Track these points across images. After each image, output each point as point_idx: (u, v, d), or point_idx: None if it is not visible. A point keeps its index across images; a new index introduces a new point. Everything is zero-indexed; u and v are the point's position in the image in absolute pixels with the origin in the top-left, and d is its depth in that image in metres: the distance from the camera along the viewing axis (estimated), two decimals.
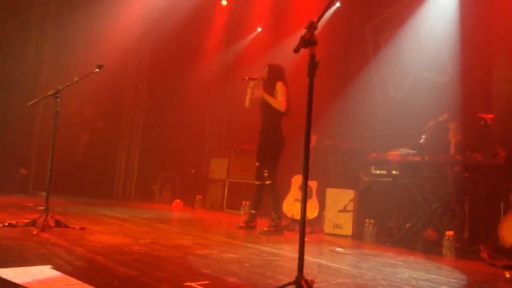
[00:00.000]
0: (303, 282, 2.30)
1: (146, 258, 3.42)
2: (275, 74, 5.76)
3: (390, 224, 5.56)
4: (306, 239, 5.17)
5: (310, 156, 6.19)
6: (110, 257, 3.28)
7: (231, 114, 10.36)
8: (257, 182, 5.76)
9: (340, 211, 5.74)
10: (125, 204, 8.32)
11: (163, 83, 10.02)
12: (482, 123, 4.65)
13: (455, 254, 4.51)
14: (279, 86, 5.65)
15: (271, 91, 5.69)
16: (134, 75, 10.33)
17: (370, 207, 5.83)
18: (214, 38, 10.53)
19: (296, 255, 2.41)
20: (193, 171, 9.02)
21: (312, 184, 6.32)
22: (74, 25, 8.43)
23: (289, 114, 5.69)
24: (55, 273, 2.68)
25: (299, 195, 6.08)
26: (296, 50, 2.69)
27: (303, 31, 2.64)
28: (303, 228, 2.50)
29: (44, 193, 4.51)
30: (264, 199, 6.01)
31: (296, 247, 2.42)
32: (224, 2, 10.25)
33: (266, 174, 5.61)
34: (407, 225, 5.20)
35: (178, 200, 8.81)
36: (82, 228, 4.49)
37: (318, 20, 2.72)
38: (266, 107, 5.70)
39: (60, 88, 4.45)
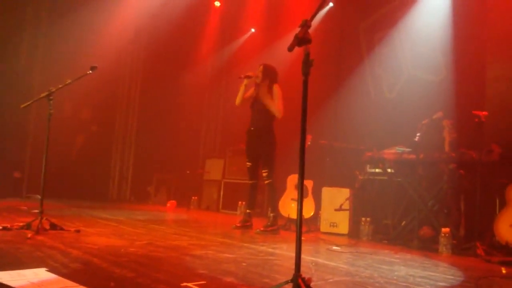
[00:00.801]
0: (300, 281, 2.29)
1: (142, 259, 3.40)
2: (270, 75, 5.75)
3: (386, 222, 5.57)
4: (302, 238, 5.18)
5: (306, 155, 6.22)
6: (106, 258, 3.26)
7: (226, 115, 10.36)
8: (251, 181, 5.78)
9: (336, 210, 5.74)
10: (120, 206, 8.29)
11: (156, 85, 10.00)
12: (476, 120, 4.66)
13: (452, 251, 4.52)
14: (276, 89, 5.65)
15: (265, 91, 5.68)
16: (128, 77, 10.31)
17: (366, 206, 5.84)
18: (208, 40, 10.52)
19: (293, 254, 2.40)
20: (188, 172, 9.01)
21: (308, 184, 6.33)
22: (67, 27, 8.40)
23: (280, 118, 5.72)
24: (50, 275, 2.65)
25: (295, 194, 6.08)
26: (290, 49, 2.68)
27: (297, 31, 2.64)
28: (300, 226, 2.50)
29: (39, 196, 4.48)
30: (258, 198, 6.01)
31: (293, 246, 2.41)
32: (217, 3, 10.24)
33: (265, 174, 5.62)
34: (403, 223, 5.21)
35: (174, 202, 8.78)
36: (78, 231, 4.47)
37: (312, 19, 2.72)
38: (259, 108, 5.70)
39: (53, 90, 4.43)
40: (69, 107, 9.15)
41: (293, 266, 2.38)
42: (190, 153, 10.22)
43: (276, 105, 5.60)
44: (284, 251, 4.28)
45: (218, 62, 10.56)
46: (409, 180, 5.28)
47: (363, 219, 5.48)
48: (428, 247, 4.78)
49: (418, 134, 5.30)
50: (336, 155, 6.81)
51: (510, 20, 5.85)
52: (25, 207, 6.27)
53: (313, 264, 3.65)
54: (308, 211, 6.19)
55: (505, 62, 5.88)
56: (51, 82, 4.70)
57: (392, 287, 2.93)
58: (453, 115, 5.50)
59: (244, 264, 3.46)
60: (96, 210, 7.10)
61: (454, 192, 5.06)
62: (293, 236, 2.46)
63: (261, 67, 5.80)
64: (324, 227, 5.90)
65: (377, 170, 5.81)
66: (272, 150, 5.67)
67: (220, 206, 8.47)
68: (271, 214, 5.58)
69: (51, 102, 4.43)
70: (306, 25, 2.69)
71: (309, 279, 2.38)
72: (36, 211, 4.42)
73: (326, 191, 6.05)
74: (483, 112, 4.72)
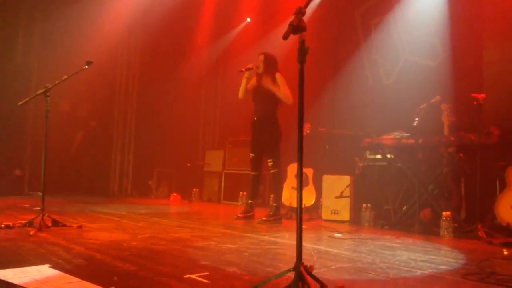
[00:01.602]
0: (302, 268, 2.30)
1: (144, 252, 3.41)
2: (271, 63, 5.71)
3: (387, 208, 5.59)
4: (304, 226, 5.19)
5: (305, 144, 6.20)
6: (109, 253, 3.27)
7: (224, 106, 10.34)
8: (253, 173, 5.77)
9: (337, 197, 5.75)
10: (122, 201, 8.31)
11: (154, 78, 9.97)
12: (475, 103, 4.65)
13: (453, 234, 4.53)
14: (279, 77, 5.62)
15: (268, 80, 5.65)
16: (125, 70, 10.28)
17: (366, 192, 5.85)
18: (203, 31, 10.46)
19: (295, 243, 2.41)
20: (188, 164, 9.01)
21: (308, 172, 6.34)
22: (61, 22, 8.36)
23: (282, 105, 5.68)
24: (53, 272, 2.67)
25: (295, 183, 6.09)
26: (285, 37, 2.66)
27: (291, 19, 2.62)
28: (300, 214, 2.50)
29: (40, 193, 4.49)
30: (260, 189, 6.02)
31: (295, 234, 2.42)
32: None
33: (270, 164, 5.62)
34: (404, 208, 5.22)
35: (176, 194, 8.81)
36: (80, 226, 4.48)
37: (306, 6, 2.70)
38: (262, 98, 5.66)
39: (50, 86, 4.42)
40: (67, 103, 9.14)
41: (295, 255, 2.38)
42: (189, 146, 10.22)
43: (283, 91, 5.56)
44: (286, 239, 4.29)
45: (214, 53, 10.51)
46: (408, 165, 5.28)
47: (364, 205, 5.49)
48: (429, 231, 4.79)
49: (416, 119, 5.29)
50: (335, 142, 6.81)
51: (506, 2, 5.82)
52: (27, 205, 6.29)
53: (315, 251, 3.66)
54: (309, 199, 6.21)
55: (502, 44, 5.86)
56: (48, 78, 4.68)
57: (394, 272, 2.95)
58: (451, 98, 5.49)
59: (246, 254, 3.48)
60: (97, 205, 7.12)
61: (454, 176, 5.07)
62: (295, 224, 2.47)
63: (262, 56, 5.75)
64: (325, 214, 5.92)
65: (376, 156, 5.82)
66: (277, 139, 5.65)
67: (222, 197, 8.49)
68: (274, 204, 5.58)
69: (48, 98, 4.42)
70: (300, 12, 2.68)
71: (311, 267, 2.38)
72: (38, 208, 4.43)
73: (327, 179, 6.06)
74: (481, 95, 4.71)
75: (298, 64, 2.63)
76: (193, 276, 2.66)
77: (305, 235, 4.45)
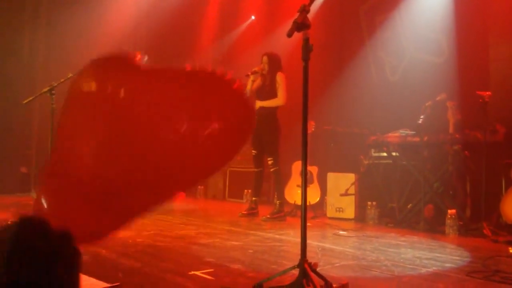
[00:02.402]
0: (306, 266, 2.31)
1: (149, 249, 3.43)
2: (275, 63, 5.72)
3: (392, 206, 5.57)
4: (308, 224, 5.20)
5: (310, 141, 6.25)
6: (114, 250, 3.29)
7: None
8: (256, 169, 5.79)
9: (341, 194, 5.74)
10: None
11: None
12: (480, 100, 4.63)
13: (458, 232, 4.52)
14: (280, 77, 5.63)
15: (270, 81, 5.67)
16: None
17: (371, 190, 5.84)
18: (208, 29, 10.46)
19: (299, 240, 2.42)
20: None
21: (313, 170, 6.33)
22: (67, 21, 8.38)
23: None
24: None
25: (300, 181, 6.07)
26: (289, 34, 2.67)
27: (296, 17, 2.63)
28: (305, 212, 2.51)
29: None
30: (264, 186, 6.02)
31: (299, 232, 2.43)
32: None
33: (270, 162, 5.63)
34: (409, 205, 5.21)
35: (181, 192, 8.82)
36: None
37: (311, 3, 2.70)
38: (264, 96, 5.69)
39: (55, 84, 4.44)
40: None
41: (300, 252, 2.39)
42: None
43: (279, 94, 5.60)
44: (291, 237, 4.30)
45: (219, 51, 10.51)
46: (414, 163, 5.27)
47: (369, 203, 5.48)
48: (434, 229, 4.78)
49: (421, 117, 5.27)
50: (340, 140, 6.80)
51: None
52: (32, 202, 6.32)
53: (320, 249, 3.66)
54: (314, 197, 6.21)
55: (509, 41, 5.82)
56: (54, 77, 4.70)
57: (398, 270, 2.95)
58: (456, 96, 5.47)
59: (251, 251, 3.49)
60: None
61: (459, 174, 5.05)
62: (299, 222, 2.48)
63: (266, 57, 5.75)
64: (330, 212, 5.91)
65: (382, 154, 5.80)
66: (276, 137, 5.66)
67: (227, 195, 8.49)
68: (277, 201, 5.59)
69: (53, 96, 4.44)
70: (304, 10, 2.68)
71: (315, 264, 2.39)
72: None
73: (331, 177, 6.05)
74: (487, 92, 4.69)
75: (302, 61, 2.64)
76: (197, 272, 2.68)
77: (309, 233, 4.46)
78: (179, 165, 1.92)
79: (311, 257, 2.93)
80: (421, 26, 6.88)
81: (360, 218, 5.62)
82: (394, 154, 5.52)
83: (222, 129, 1.85)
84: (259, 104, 5.68)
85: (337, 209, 5.84)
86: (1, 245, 1.49)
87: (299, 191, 6.21)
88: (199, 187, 8.71)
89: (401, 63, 7.23)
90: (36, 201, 1.95)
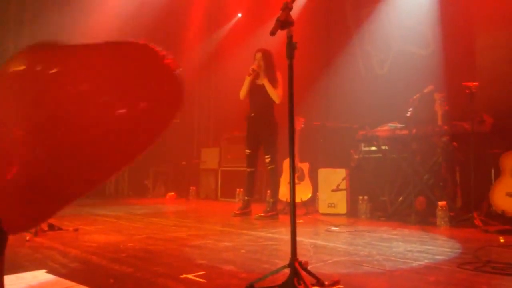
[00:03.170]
0: (297, 264, 2.30)
1: (141, 253, 3.41)
2: (270, 60, 5.69)
3: (383, 199, 5.59)
4: (301, 220, 5.20)
5: (299, 138, 6.22)
6: (105, 256, 3.26)
7: (218, 103, 10.32)
8: (248, 169, 5.75)
9: (333, 190, 5.76)
10: (119, 202, 8.29)
11: None
12: (467, 91, 4.66)
13: (449, 224, 4.55)
14: (279, 76, 5.61)
15: (271, 79, 5.62)
16: None
17: (362, 184, 5.86)
18: (195, 27, 10.43)
19: None
20: (184, 163, 9.00)
21: (304, 166, 6.33)
22: (51, 21, 8.30)
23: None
24: (49, 277, 2.66)
25: None
26: (272, 33, 2.66)
27: (279, 14, 2.62)
28: (294, 210, 2.50)
29: None
30: (257, 185, 6.02)
31: None
32: None
33: (268, 160, 5.60)
34: (400, 198, 5.23)
35: (172, 193, 8.79)
36: (76, 230, 4.47)
37: (293, 1, 2.69)
38: (259, 93, 5.62)
39: None
40: None
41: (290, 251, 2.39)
42: (185, 144, 10.20)
43: (277, 92, 5.57)
44: (284, 235, 4.29)
45: (206, 49, 10.48)
46: (403, 155, 5.29)
47: (361, 197, 5.50)
48: (426, 221, 4.80)
49: (410, 109, 5.29)
50: (330, 135, 6.81)
51: None
52: None
53: (312, 246, 3.66)
54: (306, 194, 6.21)
55: (494, 31, 5.85)
56: None
57: (390, 264, 2.95)
58: (444, 87, 5.49)
59: (243, 251, 3.48)
60: (94, 207, 7.10)
61: (448, 165, 5.08)
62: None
63: (260, 54, 5.70)
64: (322, 208, 5.93)
65: (371, 148, 5.82)
66: (275, 135, 5.63)
67: (219, 195, 8.48)
68: (271, 200, 5.58)
69: None
70: (287, 7, 2.67)
71: (306, 262, 2.38)
72: None
73: (322, 172, 6.06)
74: (474, 83, 4.72)
75: (287, 59, 2.64)
76: (189, 276, 2.66)
77: (302, 230, 4.48)
78: (105, 145, 1.85)
79: (303, 254, 2.94)
80: (407, 19, 6.91)
81: (352, 213, 5.64)
82: (383, 147, 5.54)
83: (147, 105, 1.80)
84: (264, 82, 5.61)
85: (329, 205, 5.86)
86: None
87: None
88: (191, 187, 8.68)
89: (388, 57, 7.25)
90: None
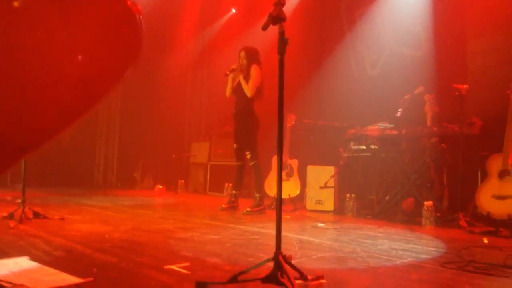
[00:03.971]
0: (281, 258, 2.31)
1: (126, 244, 3.40)
2: (252, 57, 5.71)
3: (371, 198, 5.62)
4: (288, 216, 5.22)
5: (290, 135, 6.21)
6: (89, 245, 3.25)
7: (210, 97, 10.29)
8: (237, 163, 5.78)
9: (321, 187, 5.77)
10: (106, 193, 8.26)
11: (139, 69, 9.85)
12: (457, 93, 4.68)
13: (435, 224, 4.58)
14: (253, 70, 5.63)
15: (247, 75, 5.66)
16: None
17: (350, 182, 5.88)
18: (189, 21, 10.38)
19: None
20: (174, 156, 8.98)
21: (293, 163, 6.34)
22: None
23: (261, 97, 5.69)
24: (32, 264, 2.64)
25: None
26: (264, 28, 2.66)
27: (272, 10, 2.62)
28: (280, 205, 2.51)
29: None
30: (245, 179, 6.02)
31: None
32: None
33: (248, 156, 5.63)
34: (387, 197, 5.25)
35: (161, 186, 8.77)
36: (62, 219, 4.45)
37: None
38: (239, 90, 5.70)
39: None
40: None
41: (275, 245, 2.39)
42: (175, 137, 10.17)
43: (249, 84, 5.59)
44: (270, 230, 4.30)
45: (200, 43, 10.44)
46: (392, 155, 5.31)
47: (348, 195, 5.52)
48: (412, 220, 4.83)
49: (399, 110, 5.32)
50: (320, 133, 6.82)
51: None
52: (9, 197, 6.21)
53: (298, 241, 3.67)
54: (294, 190, 6.22)
55: (486, 34, 5.89)
56: None
57: (374, 261, 2.97)
58: (434, 89, 5.52)
59: (229, 244, 3.48)
60: (81, 197, 7.07)
61: (436, 166, 5.11)
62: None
63: (243, 52, 5.73)
64: (310, 205, 5.94)
65: (361, 147, 5.83)
66: (253, 132, 5.67)
67: (207, 189, 8.48)
68: (257, 195, 5.59)
69: None
70: (280, 3, 2.67)
71: (290, 257, 2.39)
72: (20, 200, 4.38)
73: (311, 169, 6.08)
74: (464, 86, 4.75)
75: (278, 55, 2.63)
76: (173, 267, 2.66)
77: (288, 226, 4.49)
78: (61, 88, 1.80)
79: (288, 249, 2.94)
80: (400, 20, 6.93)
81: (339, 210, 5.66)
82: (372, 147, 5.56)
83: (104, 47, 1.75)
84: (241, 80, 5.66)
85: (317, 202, 5.87)
86: None
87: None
88: (179, 181, 8.67)
89: (380, 57, 7.27)
90: None
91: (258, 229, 4.30)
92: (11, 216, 4.20)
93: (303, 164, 6.29)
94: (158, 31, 9.70)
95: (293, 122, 6.40)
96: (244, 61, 5.69)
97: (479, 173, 4.81)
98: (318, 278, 2.40)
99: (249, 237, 3.85)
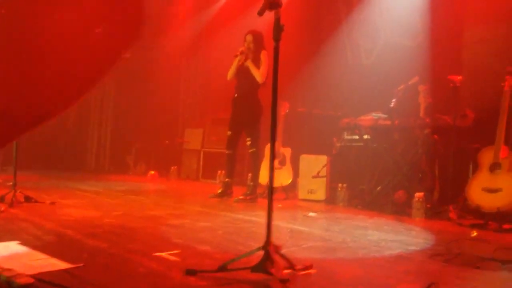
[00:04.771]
0: (271, 247, 2.32)
1: (117, 230, 3.40)
2: (259, 42, 5.63)
3: (362, 188, 5.63)
4: (280, 205, 5.23)
5: (283, 123, 6.20)
6: (80, 230, 3.25)
7: (205, 83, 10.23)
8: (227, 151, 5.70)
9: (313, 176, 5.77)
10: (98, 177, 8.24)
11: (133, 52, 9.77)
12: (451, 85, 4.68)
13: (425, 215, 4.59)
14: (263, 55, 5.55)
15: (255, 60, 5.58)
16: None
17: (342, 172, 5.88)
18: (183, 4, 10.27)
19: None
20: (167, 142, 8.96)
21: (286, 151, 6.33)
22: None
23: (267, 83, 5.65)
24: (22, 248, 2.64)
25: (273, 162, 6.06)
26: (260, 13, 2.64)
27: None
28: (271, 194, 2.51)
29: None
30: (238, 167, 6.01)
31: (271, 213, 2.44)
32: None
33: (248, 143, 5.58)
34: (378, 188, 5.27)
35: (153, 172, 8.76)
36: (53, 203, 4.43)
37: None
38: (245, 75, 5.56)
39: None
40: None
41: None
42: (169, 123, 10.12)
43: (260, 70, 5.52)
44: (261, 218, 4.28)
45: (195, 28, 10.33)
46: (384, 145, 5.32)
47: (340, 185, 5.52)
48: (402, 211, 4.84)
49: (393, 100, 5.32)
50: (314, 122, 6.81)
51: None
52: (1, 180, 6.19)
53: (289, 230, 3.69)
54: (287, 179, 6.22)
55: (481, 25, 5.85)
56: None
57: (363, 251, 2.99)
58: (428, 79, 5.51)
59: (220, 232, 3.49)
60: (73, 181, 7.05)
61: (428, 157, 5.12)
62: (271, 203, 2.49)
63: (250, 36, 5.62)
64: (302, 194, 5.95)
65: (354, 136, 5.84)
66: (257, 118, 5.58)
67: (200, 175, 8.47)
68: (251, 183, 5.57)
69: None
70: None
71: (280, 246, 2.40)
72: (11, 183, 4.37)
73: (304, 159, 6.07)
74: (458, 77, 4.74)
75: (273, 41, 2.61)
76: (163, 254, 2.66)
77: (280, 215, 4.50)
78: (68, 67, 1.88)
79: (278, 238, 2.95)
80: (397, 8, 6.88)
81: (331, 200, 5.66)
82: (365, 137, 5.56)
83: (107, 26, 1.83)
84: (248, 63, 5.58)
85: (309, 191, 5.88)
86: None
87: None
88: (172, 167, 8.65)
89: (376, 46, 7.24)
90: None
91: (249, 218, 4.32)
92: (1, 200, 4.19)
93: (296, 152, 6.28)
94: (152, 17, 9.61)
95: (287, 110, 6.38)
96: (251, 45, 5.62)
97: (471, 166, 4.83)
98: (307, 267, 2.42)
99: (240, 225, 3.87)
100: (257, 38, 5.63)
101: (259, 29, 5.77)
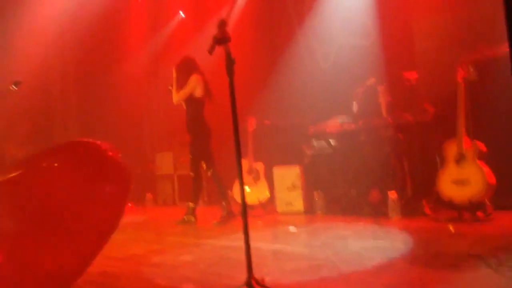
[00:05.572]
0: (253, 283, 2.33)
1: (98, 278, 3.35)
2: (184, 71, 5.71)
3: (338, 193, 5.68)
4: (259, 222, 5.23)
5: (253, 139, 6.15)
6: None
7: (168, 106, 10.13)
8: (191, 174, 5.75)
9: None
10: None
11: (91, 84, 9.63)
12: (407, 83, 4.79)
13: (401, 213, 4.65)
14: (191, 79, 5.62)
15: (184, 85, 5.66)
16: (59, 80, 9.86)
17: (317, 180, 5.90)
18: (137, 29, 10.20)
19: (252, 244, 2.46)
20: (139, 171, 8.86)
21: (259, 166, 6.33)
22: None
23: (211, 101, 5.72)
24: None
25: (247, 179, 6.08)
26: (210, 51, 2.67)
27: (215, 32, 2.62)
28: (245, 220, 2.53)
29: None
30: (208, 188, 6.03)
31: (252, 234, 2.48)
32: None
33: (204, 166, 5.61)
34: (352, 191, 5.33)
35: (130, 204, 8.63)
36: None
37: (229, 16, 2.69)
38: (189, 102, 5.70)
39: None
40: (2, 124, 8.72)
41: (253, 259, 2.42)
42: (137, 150, 9.99)
43: (180, 93, 5.66)
44: (242, 242, 4.29)
45: (152, 51, 10.27)
46: (353, 149, 5.40)
47: (316, 193, 5.56)
48: (379, 211, 4.89)
49: (354, 103, 5.41)
50: (282, 133, 6.85)
51: None
52: None
53: (270, 252, 3.71)
54: (263, 194, 6.19)
55: (430, 17, 5.98)
56: None
57: (346, 266, 3.03)
58: (385, 78, 5.60)
59: (202, 265, 3.48)
60: None
61: (396, 155, 5.20)
62: (251, 222, 2.52)
63: (174, 72, 5.79)
64: (280, 207, 5.95)
65: (323, 143, 5.89)
66: (204, 140, 5.64)
67: (177, 199, 8.40)
68: (223, 203, 5.56)
69: None
70: (223, 24, 2.67)
71: (263, 279, 2.41)
72: None
73: (277, 171, 6.09)
74: (413, 74, 4.85)
75: (227, 77, 2.64)
76: None
77: (260, 234, 4.52)
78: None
79: (262, 263, 2.97)
80: (347, 10, 7.00)
81: (309, 209, 5.67)
82: (333, 143, 5.63)
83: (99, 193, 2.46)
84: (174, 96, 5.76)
85: (287, 203, 5.89)
86: None
87: (247, 189, 6.20)
88: (147, 195, 8.56)
89: (332, 49, 7.33)
90: None
91: (230, 242, 4.30)
92: None
93: (269, 166, 6.29)
94: (107, 44, 9.51)
95: (254, 126, 6.39)
96: (175, 76, 5.77)
97: (438, 160, 4.93)
98: None
99: (222, 253, 3.86)
100: (182, 69, 5.75)
101: (191, 54, 5.85)
